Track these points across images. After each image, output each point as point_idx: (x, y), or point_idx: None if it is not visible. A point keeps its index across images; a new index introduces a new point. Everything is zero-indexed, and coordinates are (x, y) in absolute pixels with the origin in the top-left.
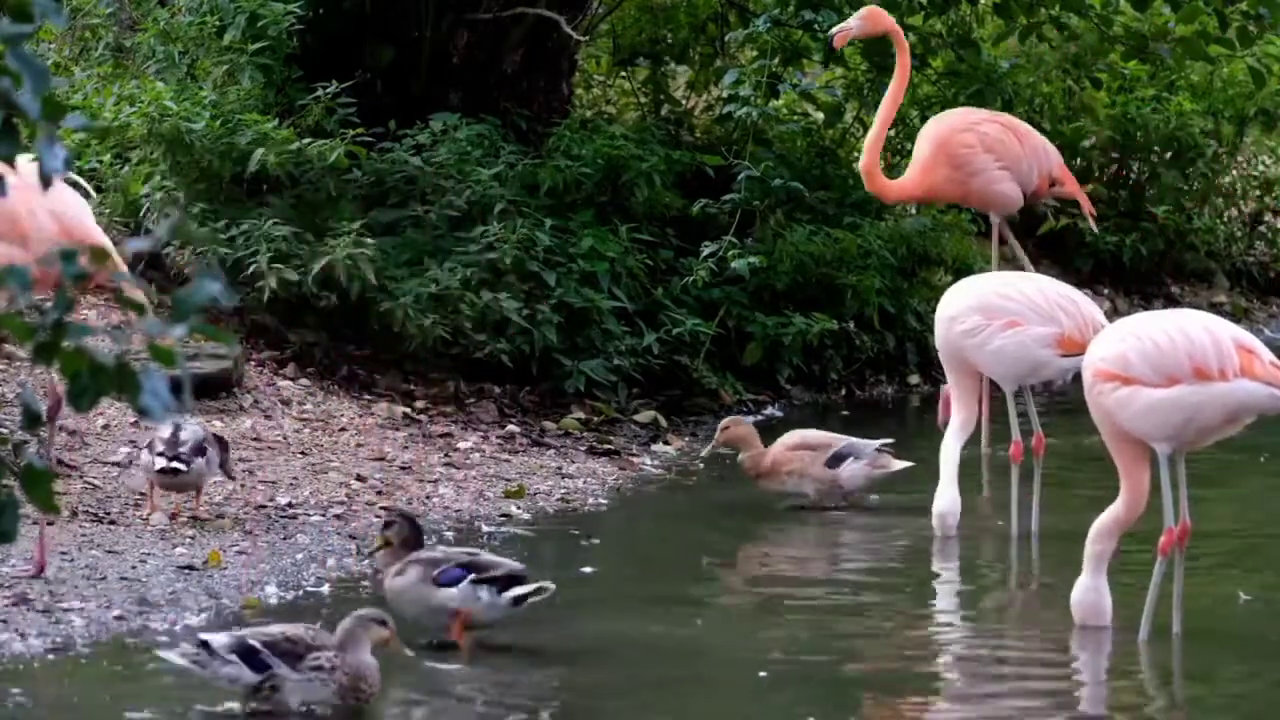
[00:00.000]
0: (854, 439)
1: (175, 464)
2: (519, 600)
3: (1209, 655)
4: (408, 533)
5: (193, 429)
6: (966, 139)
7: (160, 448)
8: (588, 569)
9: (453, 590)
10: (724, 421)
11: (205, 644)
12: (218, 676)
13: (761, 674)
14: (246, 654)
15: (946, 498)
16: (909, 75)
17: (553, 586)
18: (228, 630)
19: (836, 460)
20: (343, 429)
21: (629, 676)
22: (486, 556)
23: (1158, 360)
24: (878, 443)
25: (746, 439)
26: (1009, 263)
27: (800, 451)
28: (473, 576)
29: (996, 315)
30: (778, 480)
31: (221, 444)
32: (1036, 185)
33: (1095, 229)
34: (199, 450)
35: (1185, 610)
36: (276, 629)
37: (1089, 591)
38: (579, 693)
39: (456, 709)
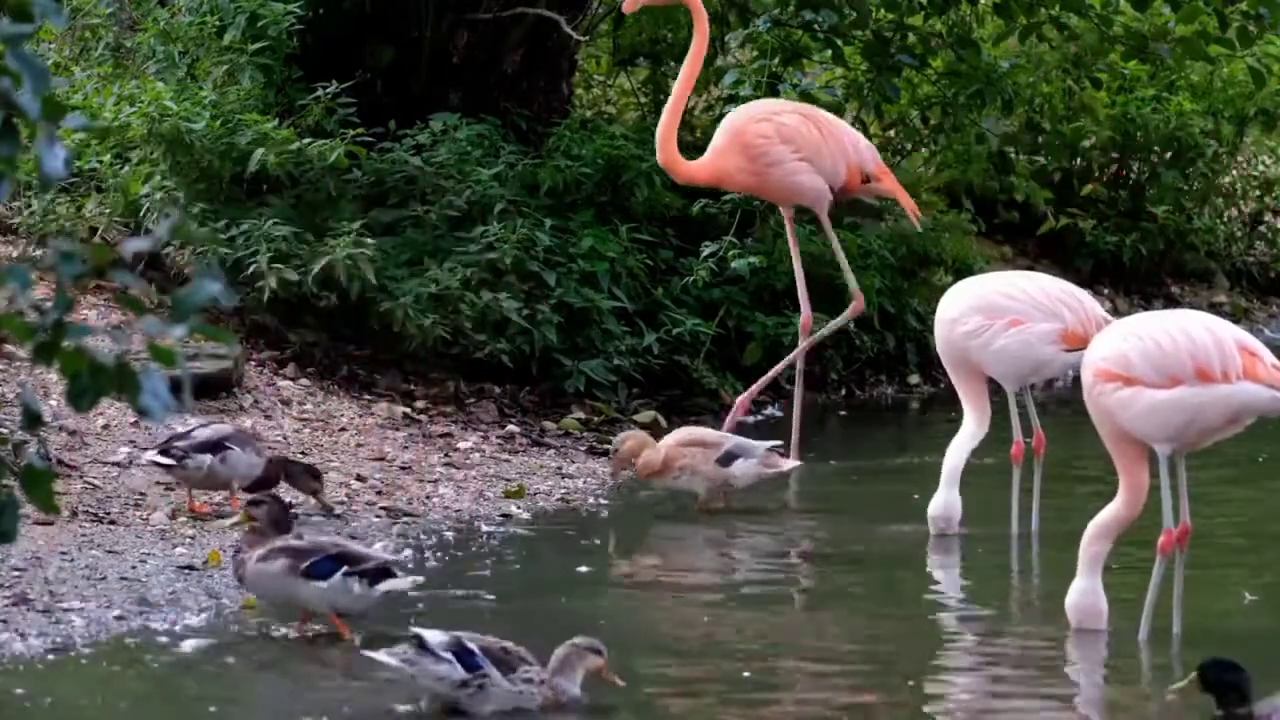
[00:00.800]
0: (744, 439)
1: (161, 459)
2: (388, 592)
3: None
4: (277, 514)
5: (215, 428)
6: (762, 129)
7: (161, 443)
8: (578, 568)
9: (323, 583)
10: (615, 442)
11: (420, 640)
12: (426, 674)
13: (745, 674)
14: (462, 654)
15: (942, 501)
16: (706, 46)
17: (420, 579)
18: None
19: (728, 459)
20: (343, 429)
21: (628, 677)
22: (356, 547)
23: (1160, 361)
24: (768, 444)
25: (640, 447)
26: (1007, 263)
27: (692, 448)
28: (345, 569)
29: (999, 315)
30: (669, 476)
31: (313, 473)
32: (845, 180)
33: (918, 227)
34: (211, 448)
35: (1190, 611)
36: (492, 639)
37: (1085, 594)
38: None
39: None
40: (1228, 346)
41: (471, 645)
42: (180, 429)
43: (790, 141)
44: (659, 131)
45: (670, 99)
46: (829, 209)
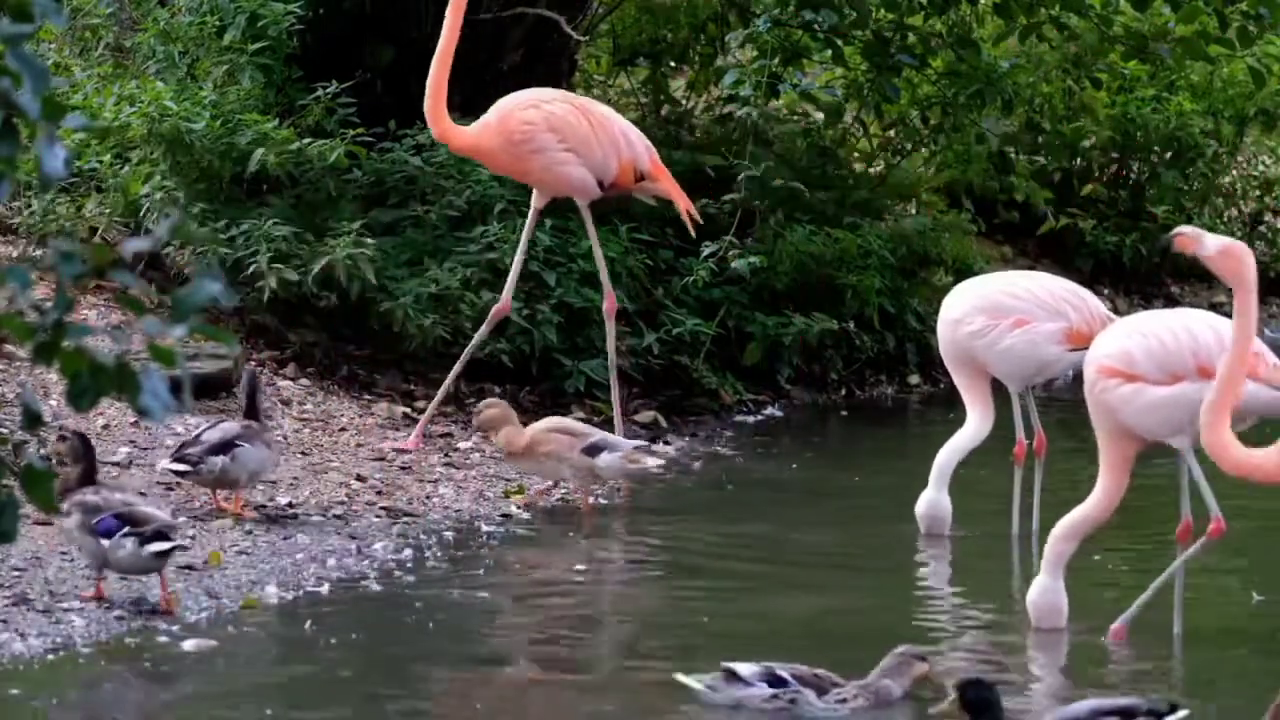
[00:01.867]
0: (610, 435)
1: (176, 465)
2: (160, 555)
3: (1225, 656)
4: (80, 451)
5: (225, 428)
6: (528, 115)
7: (175, 451)
8: (578, 568)
9: (105, 541)
10: (479, 406)
11: (731, 672)
12: (733, 699)
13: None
14: (772, 680)
15: (928, 499)
16: (463, 10)
17: (186, 545)
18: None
19: (593, 450)
20: (343, 429)
21: (626, 674)
22: (143, 508)
23: (1163, 358)
24: (635, 442)
25: (502, 418)
26: (1007, 263)
27: (558, 435)
28: (127, 530)
29: (1004, 315)
30: (533, 460)
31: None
32: (616, 175)
33: (690, 229)
34: (223, 449)
35: (1201, 611)
36: (804, 667)
37: (1047, 592)
38: (573, 691)
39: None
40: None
41: (783, 673)
42: (188, 433)
43: (557, 131)
44: (427, 105)
45: (434, 67)
46: (613, 203)
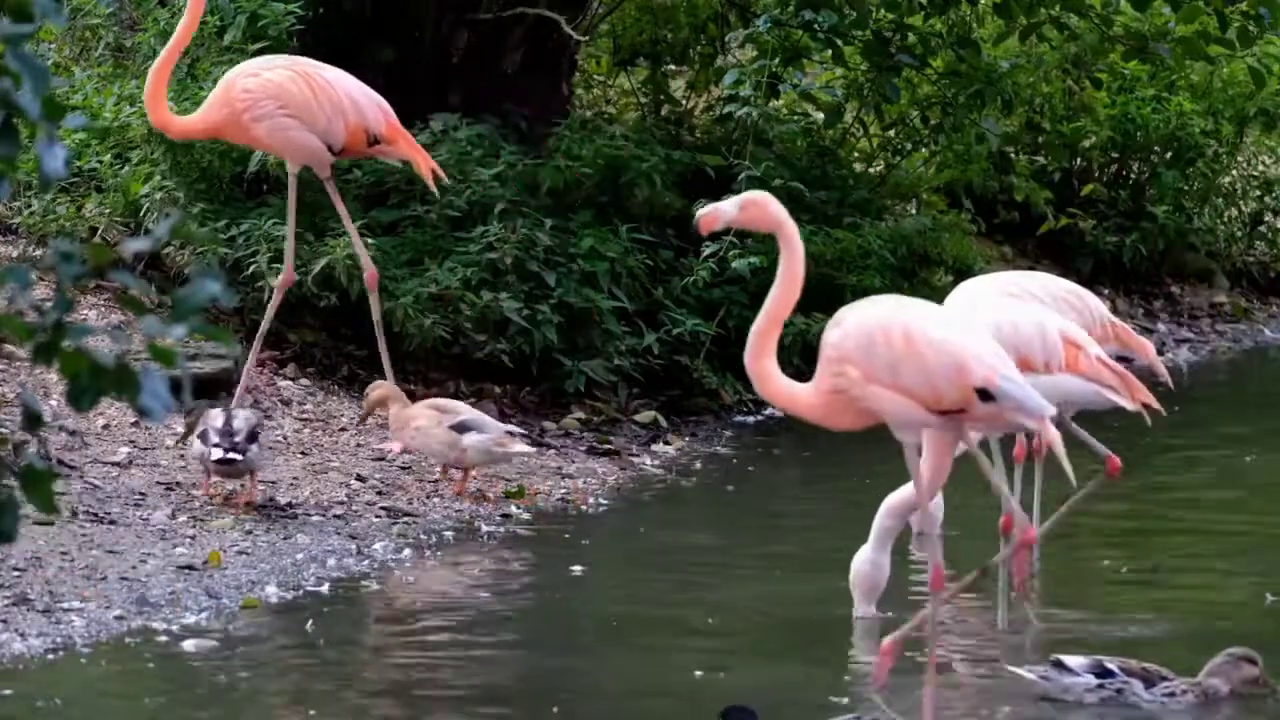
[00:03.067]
0: (485, 416)
1: (232, 454)
2: None
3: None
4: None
5: (244, 416)
6: (248, 84)
7: (215, 438)
8: (578, 568)
9: None
10: (367, 389)
11: (1059, 662)
12: (1062, 688)
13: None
14: (1101, 673)
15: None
16: (199, 17)
17: None
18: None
19: (461, 429)
20: (343, 429)
21: (624, 673)
22: None
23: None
24: (507, 427)
25: (390, 397)
26: (1007, 263)
27: (429, 411)
28: None
29: None
30: (408, 434)
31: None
32: (346, 140)
33: (432, 188)
34: (252, 437)
35: (1213, 612)
36: (1133, 661)
37: (869, 564)
38: (570, 689)
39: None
40: (1051, 338)
41: (1111, 665)
42: (218, 422)
43: (277, 98)
44: (145, 92)
45: (160, 57)
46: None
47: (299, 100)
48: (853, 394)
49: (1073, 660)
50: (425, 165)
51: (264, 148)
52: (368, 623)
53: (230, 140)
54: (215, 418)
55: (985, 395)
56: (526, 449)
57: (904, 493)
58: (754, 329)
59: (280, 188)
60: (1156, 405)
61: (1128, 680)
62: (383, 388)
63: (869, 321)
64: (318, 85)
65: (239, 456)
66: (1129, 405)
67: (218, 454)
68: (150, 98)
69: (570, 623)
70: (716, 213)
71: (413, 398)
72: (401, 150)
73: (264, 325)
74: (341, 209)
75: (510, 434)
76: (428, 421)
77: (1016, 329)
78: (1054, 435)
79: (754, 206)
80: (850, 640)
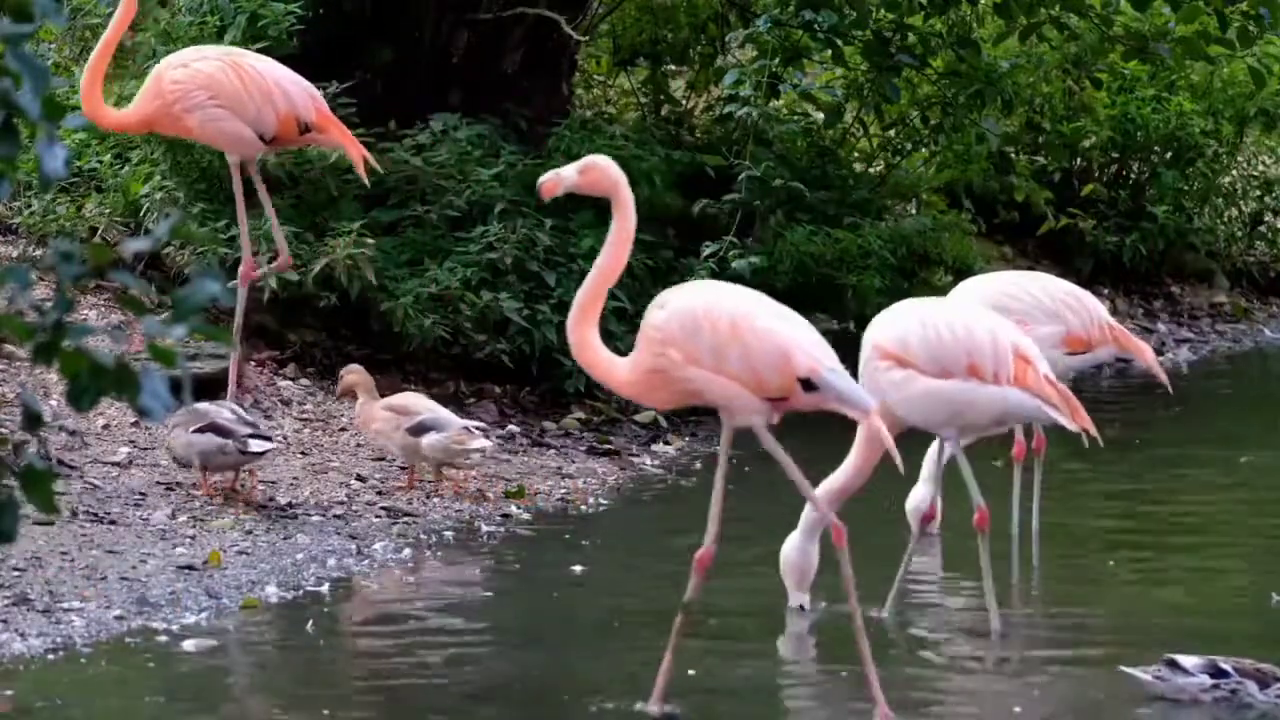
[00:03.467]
0: (444, 413)
1: (266, 441)
2: None
3: (1249, 656)
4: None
5: (229, 407)
6: (177, 75)
7: (243, 429)
8: (578, 568)
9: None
10: (341, 372)
11: (1173, 662)
12: (1176, 688)
13: (744, 673)
14: (1215, 672)
15: (920, 494)
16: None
17: None
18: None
19: (419, 430)
20: (343, 429)
21: (624, 673)
22: None
23: (937, 350)
24: (465, 422)
25: (360, 386)
26: (1007, 263)
27: (389, 413)
28: None
29: (1002, 316)
30: (370, 434)
31: None
32: (276, 129)
33: (365, 180)
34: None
35: (1221, 612)
36: (1248, 661)
37: (798, 552)
38: (571, 689)
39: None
40: (1003, 350)
41: (1225, 665)
42: (228, 414)
43: (207, 88)
44: (81, 84)
45: (95, 51)
46: (284, 150)
47: (229, 90)
48: (672, 375)
49: (1187, 660)
50: (357, 154)
51: (196, 138)
52: (367, 623)
53: (164, 133)
54: (221, 411)
55: (809, 385)
56: (485, 443)
57: (829, 485)
58: (579, 295)
59: (280, 188)
60: (1094, 432)
61: (1242, 681)
62: (354, 374)
63: (695, 306)
64: (247, 75)
65: (271, 444)
66: (1070, 425)
67: (257, 445)
68: (85, 91)
69: (570, 623)
70: (557, 178)
71: None
72: (333, 138)
73: (237, 319)
74: (264, 194)
75: (468, 429)
76: (385, 424)
77: (970, 334)
78: (879, 427)
79: (593, 170)
80: (849, 639)
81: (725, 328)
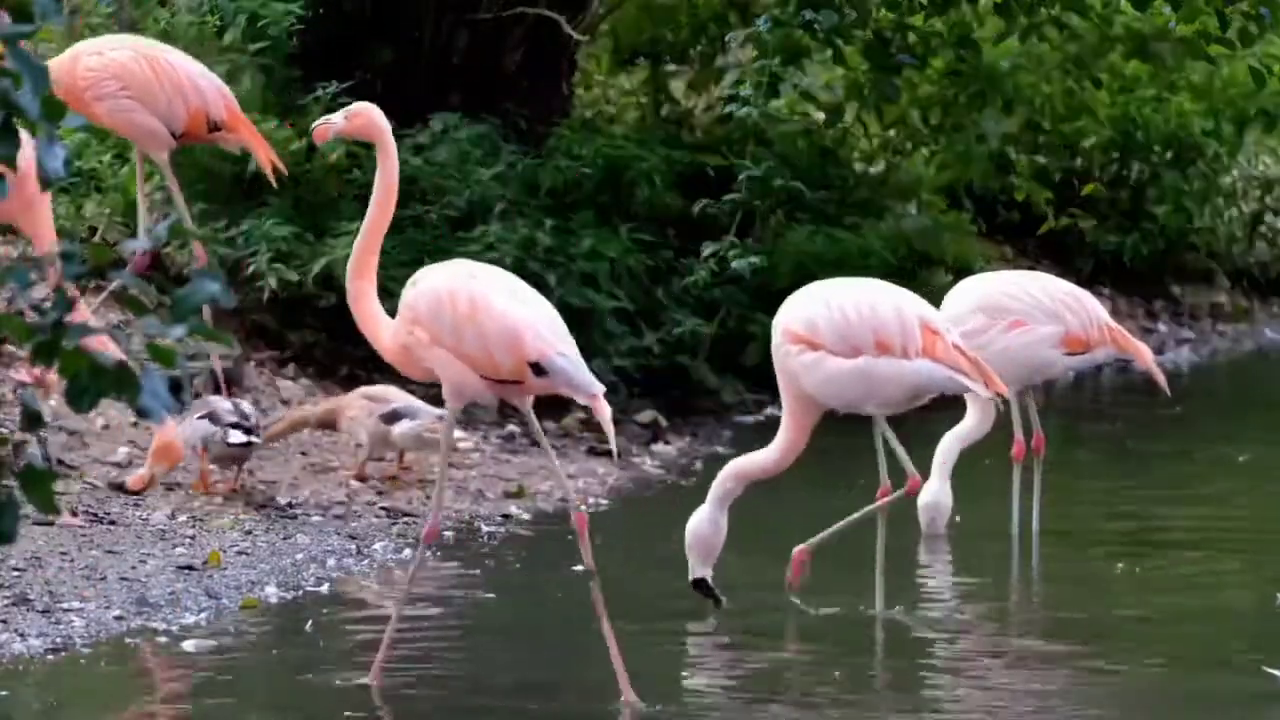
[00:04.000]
0: (417, 402)
1: (252, 437)
2: None
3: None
4: None
5: (236, 403)
6: (90, 63)
7: (232, 419)
8: (578, 568)
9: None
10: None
11: None
12: None
13: (743, 672)
14: None
15: (932, 491)
16: None
17: None
18: None
19: (393, 417)
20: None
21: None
22: None
23: (845, 330)
24: (439, 411)
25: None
26: (1007, 262)
27: (363, 401)
28: None
29: (1002, 315)
30: (344, 423)
31: None
32: (186, 124)
33: (273, 182)
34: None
35: (1222, 613)
36: None
37: (707, 524)
38: (569, 689)
39: (447, 693)
40: (910, 324)
41: None
42: (227, 405)
43: (119, 78)
44: None
45: None
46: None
47: (140, 81)
48: (418, 353)
49: None
50: (265, 155)
51: (104, 125)
52: (368, 623)
53: (88, 118)
54: (220, 403)
55: (539, 369)
56: (460, 435)
57: (751, 459)
58: (355, 248)
59: (280, 188)
60: (1009, 395)
61: None
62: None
63: (440, 287)
64: (160, 67)
65: (258, 440)
66: (983, 392)
67: (237, 437)
68: None
69: (570, 623)
70: (327, 123)
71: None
72: (242, 137)
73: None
74: (175, 190)
75: (440, 418)
76: (359, 412)
77: (875, 312)
78: (605, 412)
79: (359, 116)
80: (849, 637)
81: (464, 308)
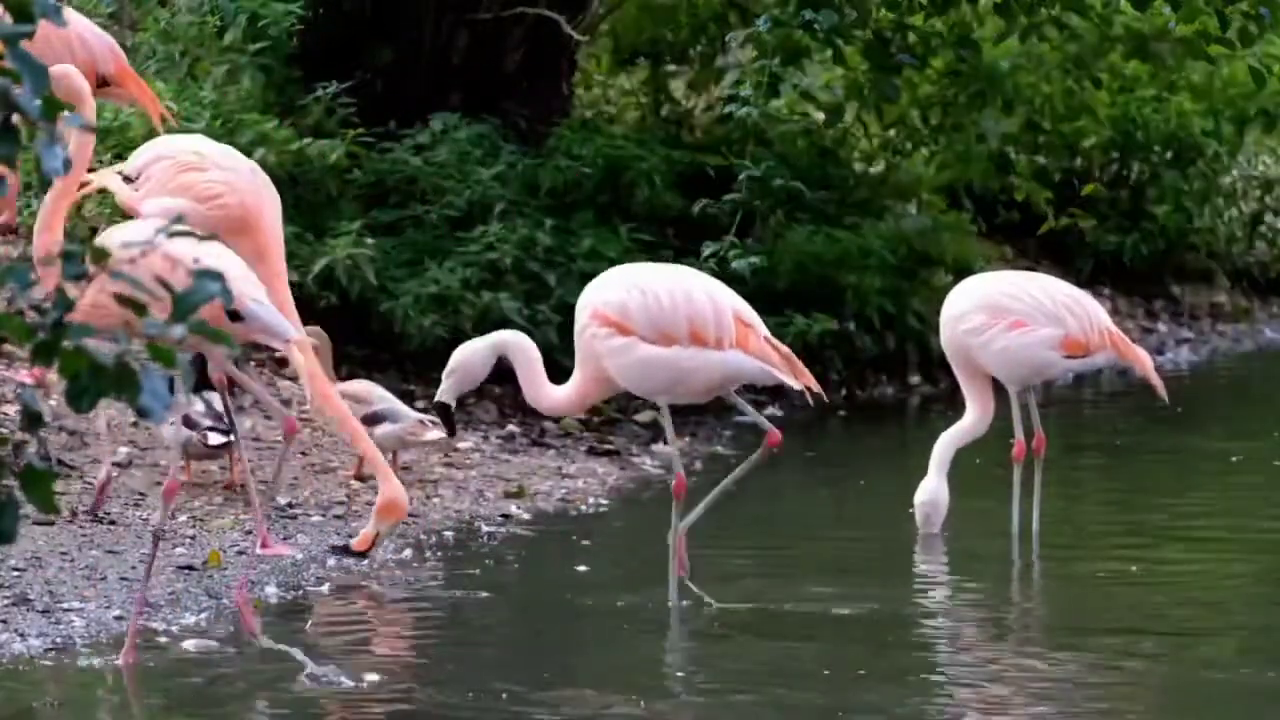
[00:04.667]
0: (399, 405)
1: (230, 437)
2: None
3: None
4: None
5: (217, 398)
6: None
7: (207, 421)
8: (583, 568)
9: None
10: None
11: None
12: None
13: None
14: None
15: (929, 488)
16: None
17: None
18: None
19: (373, 419)
20: None
21: (624, 673)
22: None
23: (658, 318)
24: (419, 415)
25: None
26: (1008, 262)
27: (344, 400)
28: None
29: (1002, 315)
30: (323, 420)
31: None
32: None
33: (160, 130)
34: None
35: (1222, 613)
36: None
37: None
38: (572, 691)
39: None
40: (725, 315)
41: None
42: (198, 406)
43: None
44: None
45: None
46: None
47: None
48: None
49: None
50: (154, 109)
51: None
52: (367, 623)
53: None
54: (194, 403)
55: (234, 316)
56: (440, 435)
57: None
58: (42, 209)
59: (280, 188)
60: (817, 388)
61: None
62: (315, 339)
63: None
64: (47, 23)
65: (233, 439)
66: (793, 384)
67: (215, 439)
68: None
69: (570, 623)
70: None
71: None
72: (130, 92)
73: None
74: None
75: (423, 423)
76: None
77: (690, 301)
78: (300, 359)
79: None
80: (848, 638)
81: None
